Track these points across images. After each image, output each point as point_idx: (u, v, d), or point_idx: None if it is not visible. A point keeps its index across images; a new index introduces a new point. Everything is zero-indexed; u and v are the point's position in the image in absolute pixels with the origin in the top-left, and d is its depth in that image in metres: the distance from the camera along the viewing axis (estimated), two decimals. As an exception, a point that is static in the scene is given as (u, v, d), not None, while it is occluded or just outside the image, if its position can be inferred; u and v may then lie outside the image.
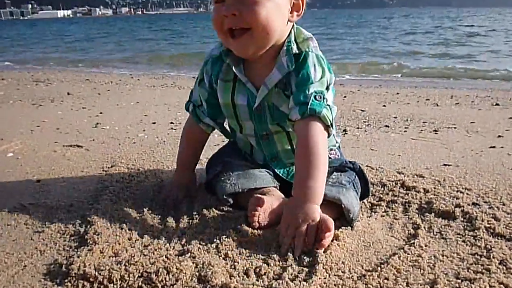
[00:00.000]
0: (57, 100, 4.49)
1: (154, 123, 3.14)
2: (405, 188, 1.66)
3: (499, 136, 2.72)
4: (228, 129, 1.68)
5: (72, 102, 4.34)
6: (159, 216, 1.44)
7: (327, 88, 1.36)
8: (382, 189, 1.66)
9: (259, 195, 1.33)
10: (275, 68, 1.33)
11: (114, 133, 2.79)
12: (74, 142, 2.48)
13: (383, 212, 1.50)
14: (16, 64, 11.42)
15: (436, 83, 7.46)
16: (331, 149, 1.63)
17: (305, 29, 1.43)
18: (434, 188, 1.66)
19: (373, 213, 1.49)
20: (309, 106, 1.27)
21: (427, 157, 2.19)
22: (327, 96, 1.32)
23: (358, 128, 2.99)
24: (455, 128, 2.99)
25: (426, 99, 4.75)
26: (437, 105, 4.29)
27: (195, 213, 1.42)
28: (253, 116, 1.46)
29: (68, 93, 5.06)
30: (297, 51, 1.34)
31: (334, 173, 1.49)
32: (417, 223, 1.39)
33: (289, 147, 1.54)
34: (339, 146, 1.70)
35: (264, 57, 1.37)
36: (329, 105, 1.32)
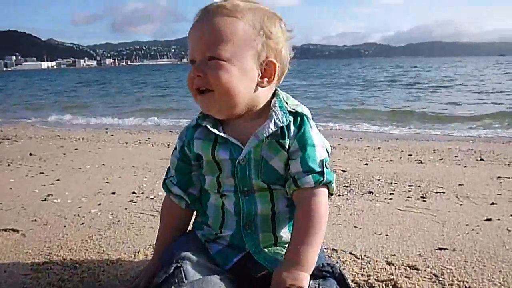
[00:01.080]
0: (15, 163, 4.14)
1: (113, 193, 2.81)
2: (397, 291, 1.36)
3: (492, 204, 2.49)
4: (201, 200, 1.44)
5: (30, 165, 3.99)
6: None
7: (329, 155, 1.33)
8: (370, 292, 1.36)
9: None
10: (268, 120, 1.27)
11: (64, 208, 2.45)
12: (11, 224, 2.13)
13: (372, 328, 1.19)
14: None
15: (416, 134, 7.41)
16: None
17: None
18: (432, 288, 1.37)
19: (360, 331, 1.18)
20: (325, 176, 1.25)
21: (418, 238, 1.91)
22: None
23: (339, 195, 2.72)
24: (443, 193, 2.76)
25: (409, 155, 4.58)
26: (421, 162, 4.10)
27: None
28: (235, 171, 1.28)
29: (31, 154, 4.72)
30: (292, 110, 1.30)
31: (311, 282, 1.20)
32: None
33: (269, 213, 1.32)
34: None
35: (245, 117, 1.31)
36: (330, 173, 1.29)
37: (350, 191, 2.83)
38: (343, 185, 3.00)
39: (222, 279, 1.22)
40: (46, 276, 1.52)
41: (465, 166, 3.84)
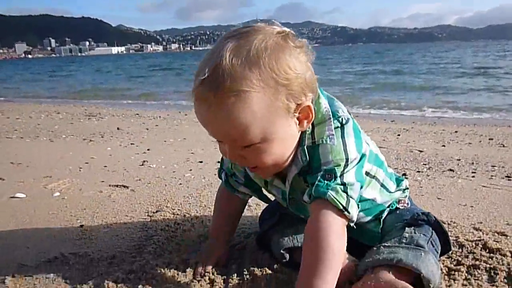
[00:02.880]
0: (107, 135, 4.57)
1: (201, 162, 3.06)
2: (487, 251, 1.41)
3: None
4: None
5: (121, 138, 4.39)
6: (207, 276, 1.29)
7: (347, 165, 1.13)
8: (460, 250, 1.43)
9: None
10: (292, 163, 1.20)
11: (161, 172, 2.72)
12: (120, 182, 2.43)
13: (464, 280, 1.27)
14: (72, 97, 12.14)
15: (496, 119, 7.00)
16: (400, 200, 1.45)
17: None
18: (524, 251, 1.41)
19: (452, 281, 1.26)
20: (313, 187, 1.11)
21: (505, 210, 1.92)
22: (345, 174, 1.12)
23: (418, 171, 2.74)
24: (530, 173, 2.68)
25: (490, 139, 4.39)
26: (503, 146, 3.94)
27: (245, 272, 1.27)
28: (289, 206, 1.35)
29: (118, 128, 5.17)
30: (311, 142, 1.16)
31: (406, 228, 1.30)
32: (511, 299, 1.15)
33: None
34: (408, 195, 1.51)
35: None
36: (344, 184, 1.11)
37: (429, 169, 2.84)
38: (421, 163, 3.01)
39: None
40: (162, 221, 1.76)
41: (554, 151, 3.64)
